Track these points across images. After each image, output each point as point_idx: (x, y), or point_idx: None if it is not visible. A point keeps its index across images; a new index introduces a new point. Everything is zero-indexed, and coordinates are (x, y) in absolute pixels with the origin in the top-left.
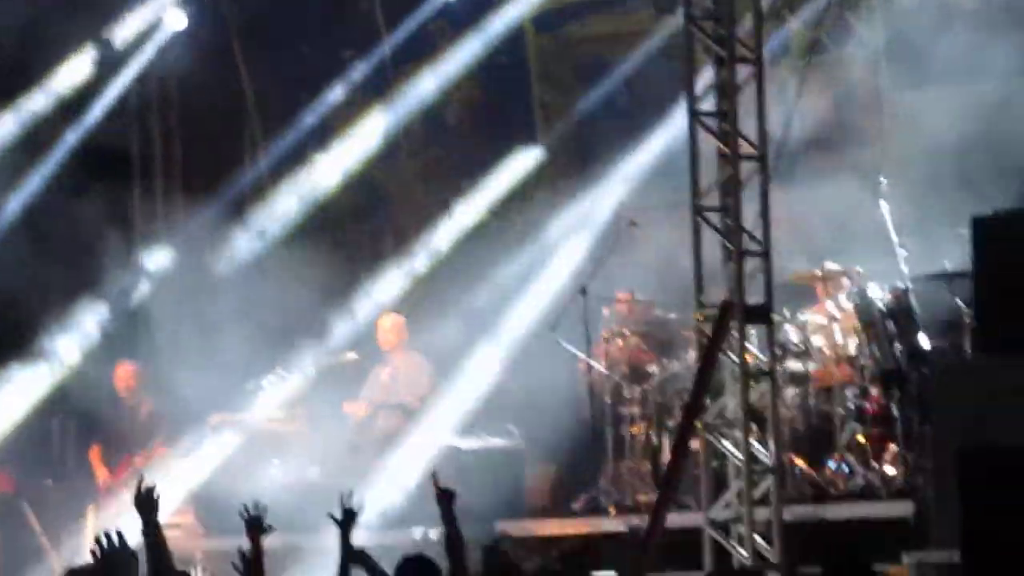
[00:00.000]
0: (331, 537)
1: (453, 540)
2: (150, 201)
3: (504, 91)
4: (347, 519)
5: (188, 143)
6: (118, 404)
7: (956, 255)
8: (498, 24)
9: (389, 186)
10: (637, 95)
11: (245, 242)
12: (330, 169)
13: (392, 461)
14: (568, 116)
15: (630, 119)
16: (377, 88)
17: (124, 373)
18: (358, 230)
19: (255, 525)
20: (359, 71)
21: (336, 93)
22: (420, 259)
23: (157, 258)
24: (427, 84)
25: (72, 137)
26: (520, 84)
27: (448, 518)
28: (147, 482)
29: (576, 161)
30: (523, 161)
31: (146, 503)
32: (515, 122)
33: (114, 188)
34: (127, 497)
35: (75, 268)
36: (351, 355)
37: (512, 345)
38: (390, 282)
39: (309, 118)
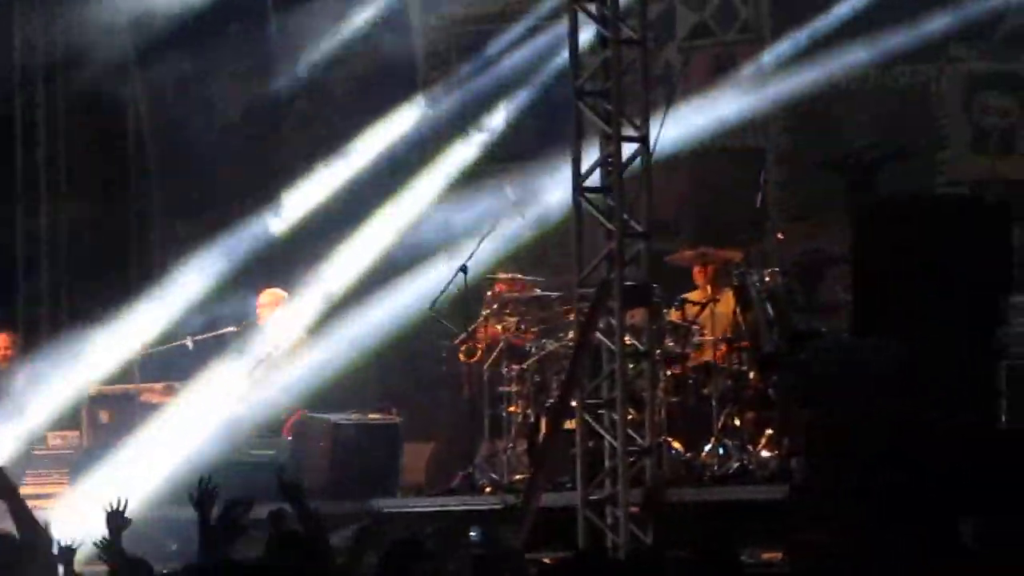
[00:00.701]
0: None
1: (311, 521)
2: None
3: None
4: (204, 499)
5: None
6: None
7: (834, 239)
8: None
9: (274, 163)
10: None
11: None
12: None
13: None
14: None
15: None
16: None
17: (4, 341)
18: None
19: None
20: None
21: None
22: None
23: None
24: (312, 57)
25: None
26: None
27: (303, 513)
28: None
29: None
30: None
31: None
32: (400, 97)
33: None
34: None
35: None
36: (229, 328)
37: (392, 320)
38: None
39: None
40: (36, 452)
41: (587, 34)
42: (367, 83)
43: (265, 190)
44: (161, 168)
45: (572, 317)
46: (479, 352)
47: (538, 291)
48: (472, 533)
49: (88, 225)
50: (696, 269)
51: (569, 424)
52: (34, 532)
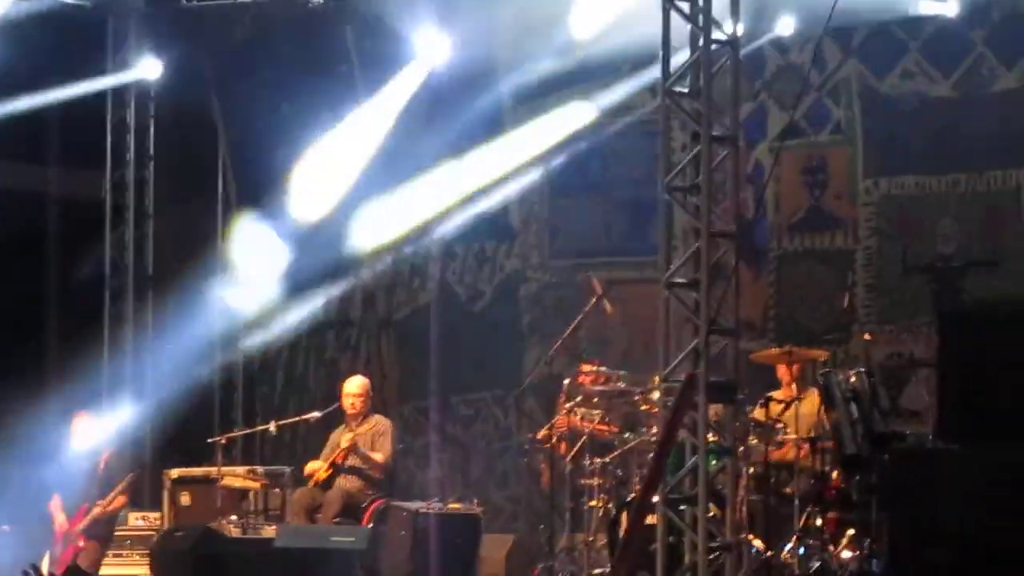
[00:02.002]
0: None
1: None
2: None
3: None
4: None
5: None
6: (77, 453)
7: (921, 343)
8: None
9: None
10: (610, 170)
11: None
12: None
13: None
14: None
15: (603, 191)
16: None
17: (82, 423)
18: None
19: None
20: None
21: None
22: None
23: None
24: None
25: None
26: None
27: None
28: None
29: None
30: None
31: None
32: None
33: None
34: (81, 544)
35: None
36: (313, 413)
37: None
38: None
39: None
40: (118, 532)
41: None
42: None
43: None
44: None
45: (655, 411)
46: (561, 446)
47: (622, 384)
48: None
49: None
50: (781, 368)
51: (650, 519)
52: None
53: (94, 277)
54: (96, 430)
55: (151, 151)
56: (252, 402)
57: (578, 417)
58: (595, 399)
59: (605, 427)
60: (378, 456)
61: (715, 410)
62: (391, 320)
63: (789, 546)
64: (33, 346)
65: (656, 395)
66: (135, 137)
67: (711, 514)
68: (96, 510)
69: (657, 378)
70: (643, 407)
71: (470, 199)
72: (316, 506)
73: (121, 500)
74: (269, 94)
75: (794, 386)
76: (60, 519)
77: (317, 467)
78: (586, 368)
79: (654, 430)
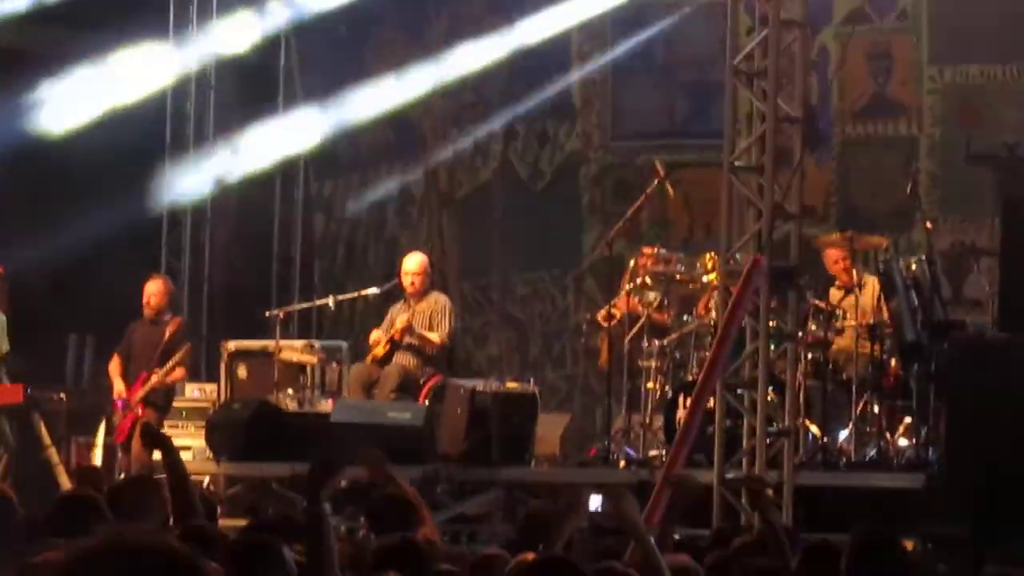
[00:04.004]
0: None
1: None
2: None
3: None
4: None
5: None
6: (143, 319)
7: (984, 233)
8: None
9: (422, 126)
10: (675, 52)
11: None
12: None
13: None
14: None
15: (667, 73)
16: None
17: (154, 288)
18: (389, 167)
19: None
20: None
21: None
22: None
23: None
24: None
25: None
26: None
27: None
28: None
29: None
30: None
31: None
32: (552, 69)
33: None
34: (139, 413)
35: None
36: (372, 289)
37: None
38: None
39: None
40: (175, 403)
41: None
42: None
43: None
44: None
45: (712, 292)
46: (617, 323)
47: (681, 268)
48: (597, 504)
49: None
50: (843, 254)
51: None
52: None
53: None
54: (165, 295)
55: None
56: (310, 276)
57: (637, 300)
58: (655, 282)
59: (663, 315)
60: (435, 336)
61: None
62: (452, 198)
63: (845, 433)
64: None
65: (706, 278)
66: None
67: (769, 399)
68: (155, 379)
69: (708, 257)
70: (699, 291)
71: None
72: (373, 382)
73: (180, 372)
74: None
75: (854, 273)
76: (119, 385)
77: (380, 337)
78: (648, 251)
79: (712, 313)
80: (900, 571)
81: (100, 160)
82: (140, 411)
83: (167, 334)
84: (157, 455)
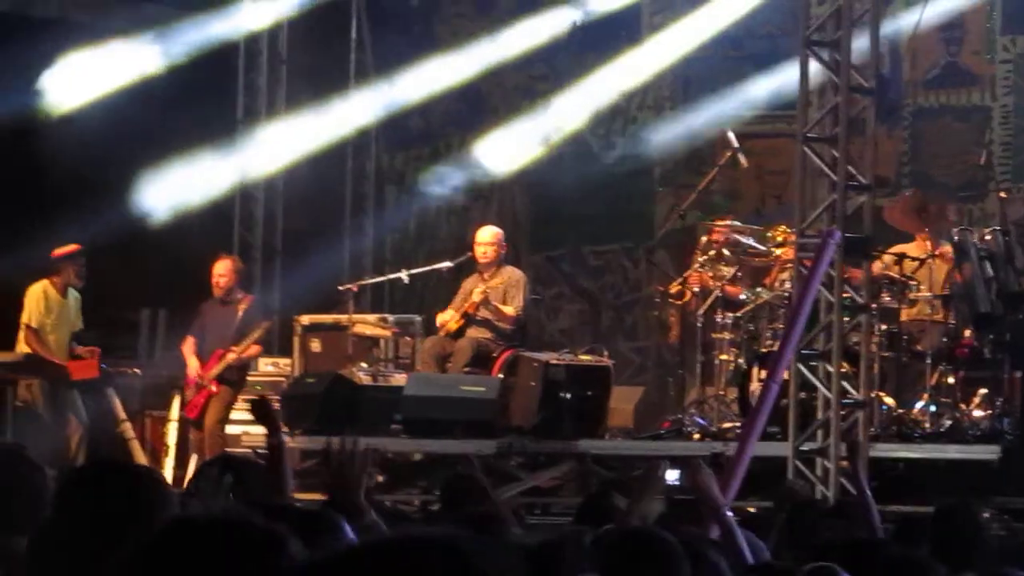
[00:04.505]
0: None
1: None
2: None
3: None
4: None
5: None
6: (214, 299)
7: None
8: None
9: (493, 98)
10: (743, 20)
11: None
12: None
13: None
14: None
15: (737, 44)
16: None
17: (222, 268)
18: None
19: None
20: None
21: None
22: None
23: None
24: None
25: None
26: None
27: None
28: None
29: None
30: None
31: (267, 414)
32: (622, 37)
33: None
34: (214, 389)
35: None
36: (445, 263)
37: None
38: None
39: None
40: (249, 377)
41: None
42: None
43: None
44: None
45: (786, 264)
46: (689, 295)
47: (752, 240)
48: (671, 476)
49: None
50: (916, 224)
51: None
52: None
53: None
54: (234, 273)
55: None
56: (383, 250)
57: (710, 274)
58: (728, 256)
59: (736, 288)
60: (509, 309)
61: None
62: (523, 169)
63: (920, 404)
64: None
65: (778, 251)
66: None
67: (843, 370)
68: (230, 356)
69: (780, 230)
70: (777, 262)
71: None
72: (446, 355)
73: (255, 349)
74: None
75: (928, 243)
76: (193, 363)
77: (448, 317)
78: (719, 224)
79: (786, 285)
80: (981, 541)
81: (170, 135)
82: (214, 387)
83: (240, 312)
84: (231, 429)
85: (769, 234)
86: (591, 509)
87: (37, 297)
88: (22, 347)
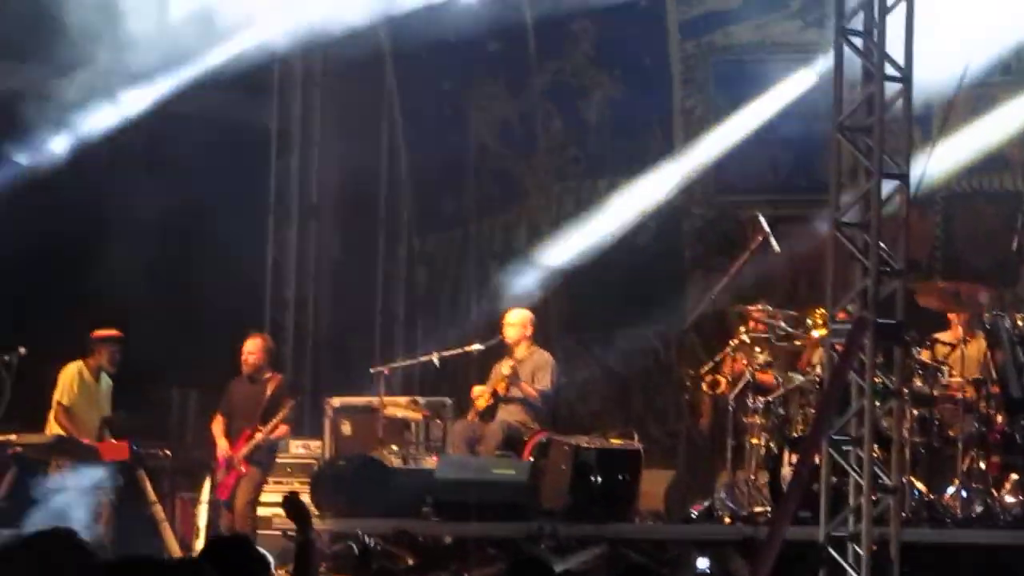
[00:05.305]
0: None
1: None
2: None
3: (645, 93)
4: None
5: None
6: (243, 377)
7: None
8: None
9: (525, 182)
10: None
11: None
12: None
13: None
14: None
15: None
16: (517, 82)
17: (252, 346)
18: (491, 223)
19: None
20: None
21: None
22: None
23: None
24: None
25: None
26: (662, 88)
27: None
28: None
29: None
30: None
31: (299, 510)
32: (654, 123)
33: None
34: (243, 470)
35: None
36: (475, 346)
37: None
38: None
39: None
40: (279, 459)
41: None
42: (619, 105)
43: (513, 209)
44: (413, 184)
45: (820, 352)
46: (723, 384)
47: (783, 323)
48: (702, 563)
49: (339, 239)
50: (948, 310)
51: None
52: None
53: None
54: (264, 352)
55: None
56: (414, 332)
57: (744, 360)
58: (763, 343)
59: (767, 374)
60: (537, 387)
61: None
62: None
63: (952, 489)
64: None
65: (816, 333)
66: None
67: (875, 456)
68: (259, 436)
69: (819, 313)
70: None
71: None
72: (477, 438)
73: (284, 429)
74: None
75: (960, 329)
76: (222, 444)
77: (482, 391)
78: (754, 310)
79: (818, 370)
80: None
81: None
82: (244, 468)
83: (268, 391)
84: (262, 511)
85: (809, 317)
86: None
87: (72, 377)
88: (52, 427)
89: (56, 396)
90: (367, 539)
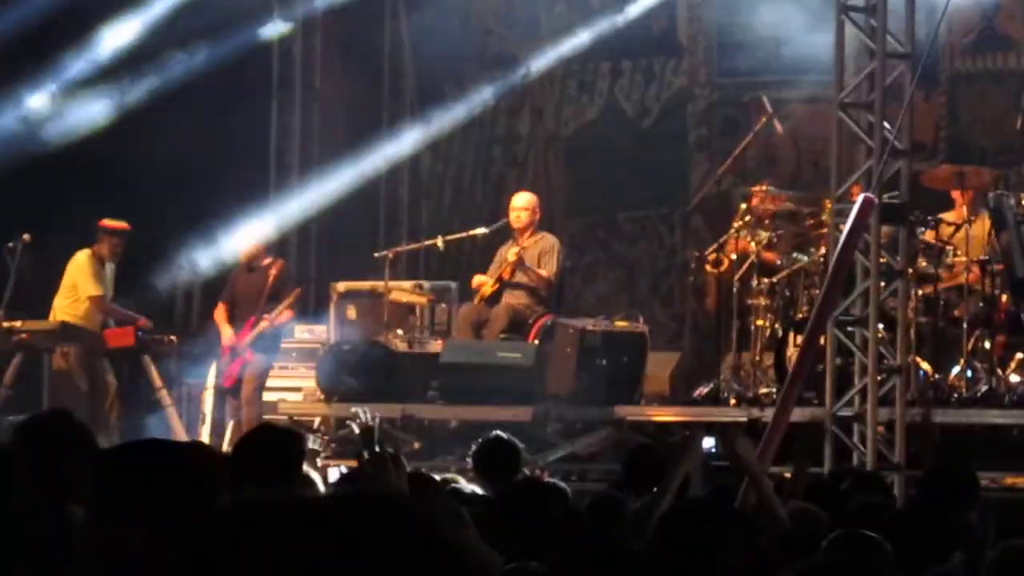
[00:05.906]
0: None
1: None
2: None
3: None
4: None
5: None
6: (240, 266)
7: None
8: None
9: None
10: None
11: None
12: None
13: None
14: None
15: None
16: None
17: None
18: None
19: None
20: None
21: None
22: None
23: None
24: None
25: None
26: None
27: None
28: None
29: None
30: None
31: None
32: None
33: None
34: (248, 357)
35: None
36: (480, 230)
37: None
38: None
39: None
40: (284, 345)
41: None
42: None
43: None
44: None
45: (825, 232)
46: (726, 263)
47: (791, 205)
48: (708, 443)
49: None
50: (953, 190)
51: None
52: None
53: None
54: (264, 240)
55: None
56: (418, 217)
57: (748, 239)
58: (766, 221)
59: (773, 254)
60: (543, 272)
61: (886, 232)
62: (558, 136)
63: (957, 369)
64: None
65: (826, 216)
66: None
67: (880, 336)
68: (263, 323)
69: (828, 202)
70: (812, 230)
71: None
72: (482, 321)
73: (288, 314)
74: None
75: (965, 209)
76: (226, 332)
77: (483, 280)
78: (758, 190)
79: (822, 251)
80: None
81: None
82: (249, 355)
83: (270, 278)
84: (267, 396)
85: (823, 206)
86: (633, 470)
87: (91, 267)
88: (90, 319)
89: (83, 291)
90: (367, 415)
